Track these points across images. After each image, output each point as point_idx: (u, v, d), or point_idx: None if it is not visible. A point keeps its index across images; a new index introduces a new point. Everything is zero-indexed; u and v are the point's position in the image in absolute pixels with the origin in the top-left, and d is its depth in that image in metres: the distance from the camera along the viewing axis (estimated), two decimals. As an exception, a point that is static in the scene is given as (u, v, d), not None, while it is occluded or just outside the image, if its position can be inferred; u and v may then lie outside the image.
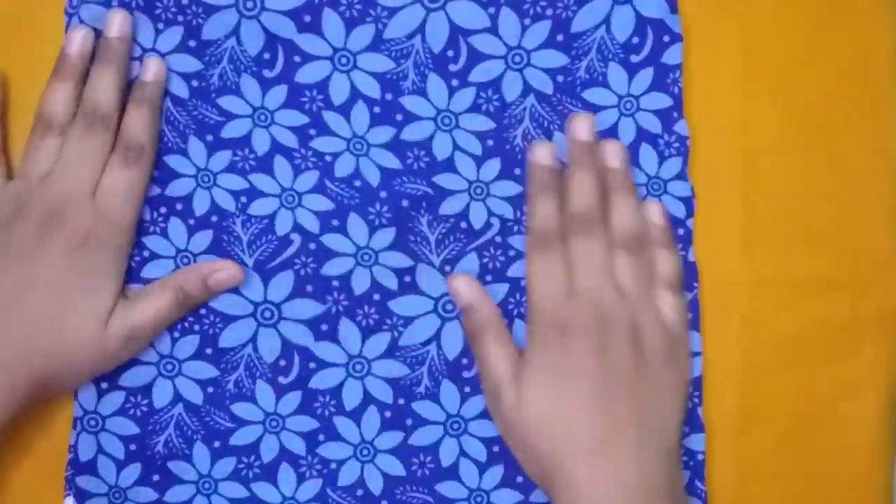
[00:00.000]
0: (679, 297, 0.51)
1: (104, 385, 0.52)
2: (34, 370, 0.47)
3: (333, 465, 0.52)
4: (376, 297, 0.52)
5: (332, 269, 0.52)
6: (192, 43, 0.51)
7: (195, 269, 0.51)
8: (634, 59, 0.51)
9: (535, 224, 0.50)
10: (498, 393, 0.49)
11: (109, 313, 0.48)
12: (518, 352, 0.50)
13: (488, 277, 0.52)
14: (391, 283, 0.52)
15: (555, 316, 0.48)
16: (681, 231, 0.52)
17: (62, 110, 0.50)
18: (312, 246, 0.52)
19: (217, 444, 0.52)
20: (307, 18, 0.51)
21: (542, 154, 0.51)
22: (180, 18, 0.51)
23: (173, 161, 0.51)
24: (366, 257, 0.52)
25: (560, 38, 0.51)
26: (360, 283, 0.52)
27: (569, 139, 0.51)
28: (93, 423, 0.52)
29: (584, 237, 0.49)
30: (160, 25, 0.51)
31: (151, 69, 0.51)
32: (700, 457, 0.52)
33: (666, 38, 0.51)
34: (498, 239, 0.52)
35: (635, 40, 0.51)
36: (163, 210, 0.51)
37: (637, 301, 0.49)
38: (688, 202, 0.52)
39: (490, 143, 0.52)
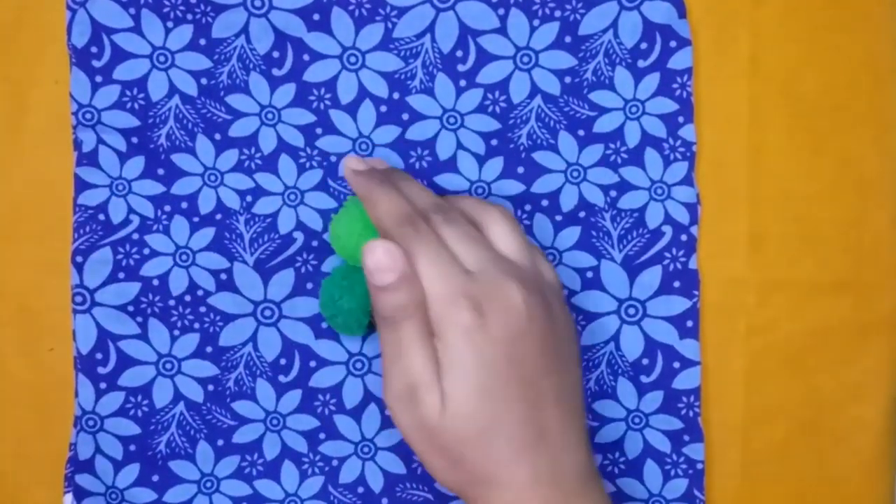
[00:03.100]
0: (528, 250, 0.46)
1: (103, 385, 0.51)
2: None
3: (335, 463, 0.52)
4: None
5: (333, 266, 0.52)
6: (202, 41, 0.51)
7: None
8: (642, 63, 0.52)
9: (393, 212, 0.44)
10: (415, 394, 0.42)
11: None
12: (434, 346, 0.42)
13: None
14: None
15: (461, 302, 0.41)
16: (684, 237, 0.52)
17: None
18: (315, 243, 0.51)
19: (220, 442, 0.52)
20: (316, 17, 0.51)
21: (354, 163, 0.47)
22: (189, 17, 0.50)
23: (180, 159, 0.51)
24: None
25: (568, 39, 0.51)
26: None
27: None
28: (91, 423, 0.51)
29: (446, 220, 0.44)
30: (169, 24, 0.50)
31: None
32: (700, 466, 0.52)
33: (673, 44, 0.51)
34: None
35: (643, 46, 0.51)
36: (167, 208, 0.51)
37: (529, 266, 0.44)
38: (692, 209, 0.52)
39: (494, 142, 0.52)
